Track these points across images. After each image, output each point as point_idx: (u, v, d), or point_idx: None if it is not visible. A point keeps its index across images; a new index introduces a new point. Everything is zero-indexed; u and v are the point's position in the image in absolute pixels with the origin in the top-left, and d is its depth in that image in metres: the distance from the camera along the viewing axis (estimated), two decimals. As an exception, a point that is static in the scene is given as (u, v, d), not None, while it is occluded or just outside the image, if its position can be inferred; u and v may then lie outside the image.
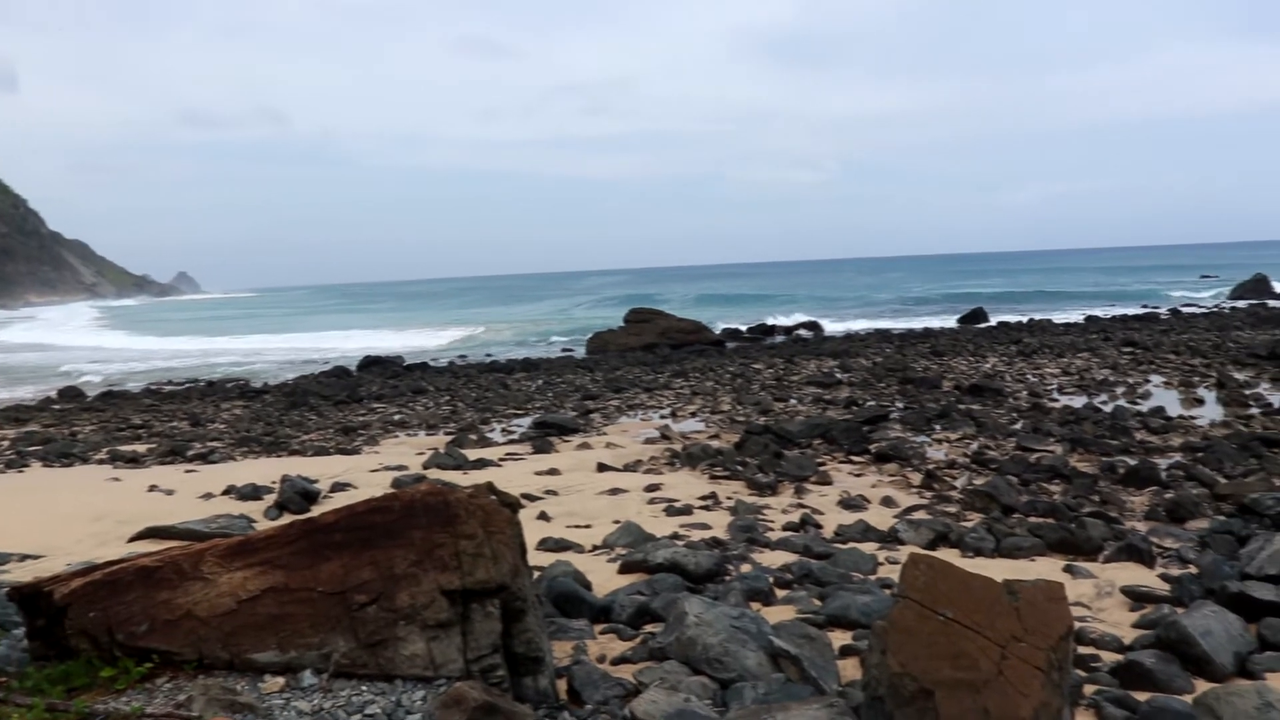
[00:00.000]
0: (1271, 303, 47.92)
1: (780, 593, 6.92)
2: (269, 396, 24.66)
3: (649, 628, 5.84)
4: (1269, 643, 5.86)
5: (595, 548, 8.40)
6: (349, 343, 46.57)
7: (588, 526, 9.36)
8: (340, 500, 10.40)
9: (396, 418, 19.74)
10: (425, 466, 12.93)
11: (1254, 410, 16.46)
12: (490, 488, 4.55)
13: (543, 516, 9.80)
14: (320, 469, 12.64)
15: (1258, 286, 58.77)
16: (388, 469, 12.79)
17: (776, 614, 6.17)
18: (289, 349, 44.73)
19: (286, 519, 8.76)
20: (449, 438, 16.37)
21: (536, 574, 6.33)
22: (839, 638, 5.74)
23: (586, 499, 10.75)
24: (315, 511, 7.95)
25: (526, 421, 18.05)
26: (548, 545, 8.37)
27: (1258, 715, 3.99)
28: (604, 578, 7.13)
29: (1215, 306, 46.64)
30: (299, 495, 10.36)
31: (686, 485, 11.57)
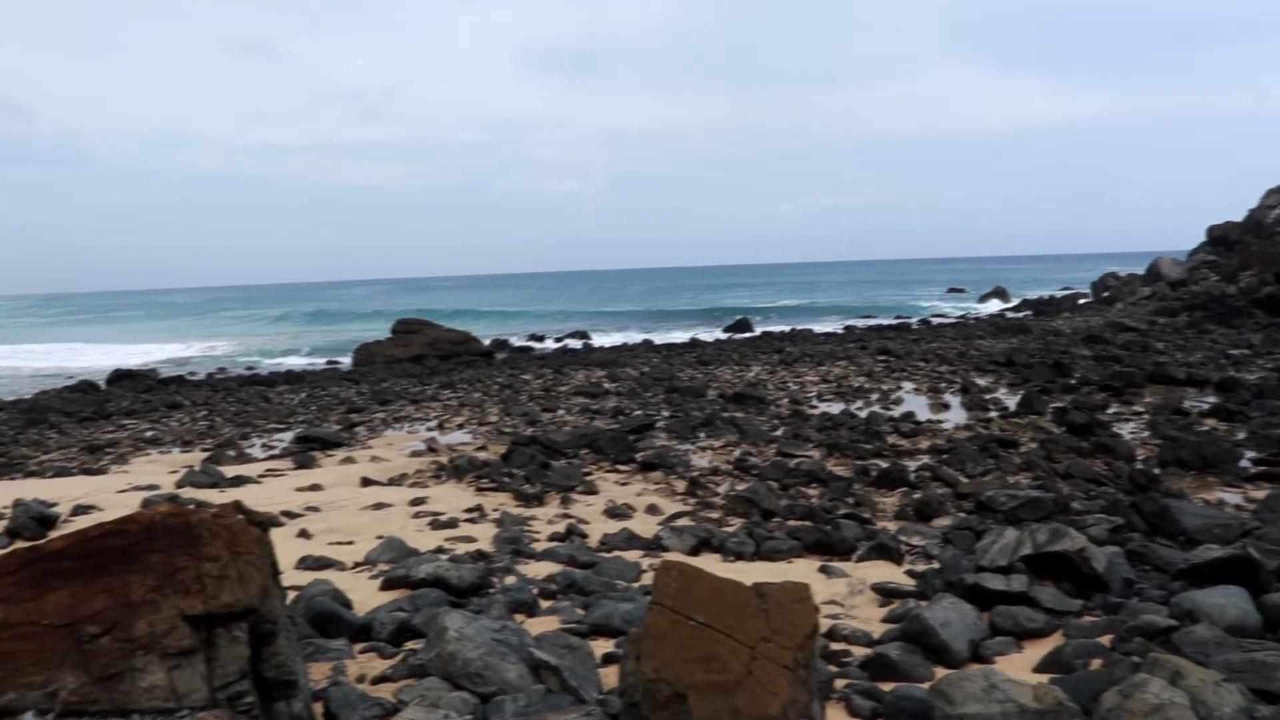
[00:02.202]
0: (1010, 313, 51.29)
1: (545, 603, 6.93)
2: (1, 414, 22.99)
3: (410, 644, 5.73)
4: (999, 628, 6.31)
5: (357, 565, 8.20)
6: (89, 357, 43.95)
7: (350, 543, 9.14)
8: (83, 524, 9.75)
9: (149, 434, 18.77)
10: (179, 485, 12.33)
11: (993, 414, 17.55)
12: (238, 506, 4.37)
13: (303, 534, 9.49)
14: (61, 491, 11.86)
15: (998, 297, 63.04)
16: (138, 489, 12.11)
17: (540, 625, 6.17)
18: (17, 365, 41.79)
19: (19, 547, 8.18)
20: (206, 454, 15.67)
21: (294, 594, 6.12)
22: (602, 646, 5.79)
23: (349, 515, 10.48)
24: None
25: (289, 436, 17.49)
26: (307, 564, 8.12)
27: (984, 696, 4.26)
28: (365, 595, 6.97)
29: (961, 317, 49.52)
30: (34, 520, 9.68)
31: (452, 498, 11.45)
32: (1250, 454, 13.50)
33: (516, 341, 42.51)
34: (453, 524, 10.00)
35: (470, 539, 9.28)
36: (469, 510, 10.66)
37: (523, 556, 8.55)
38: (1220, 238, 51.19)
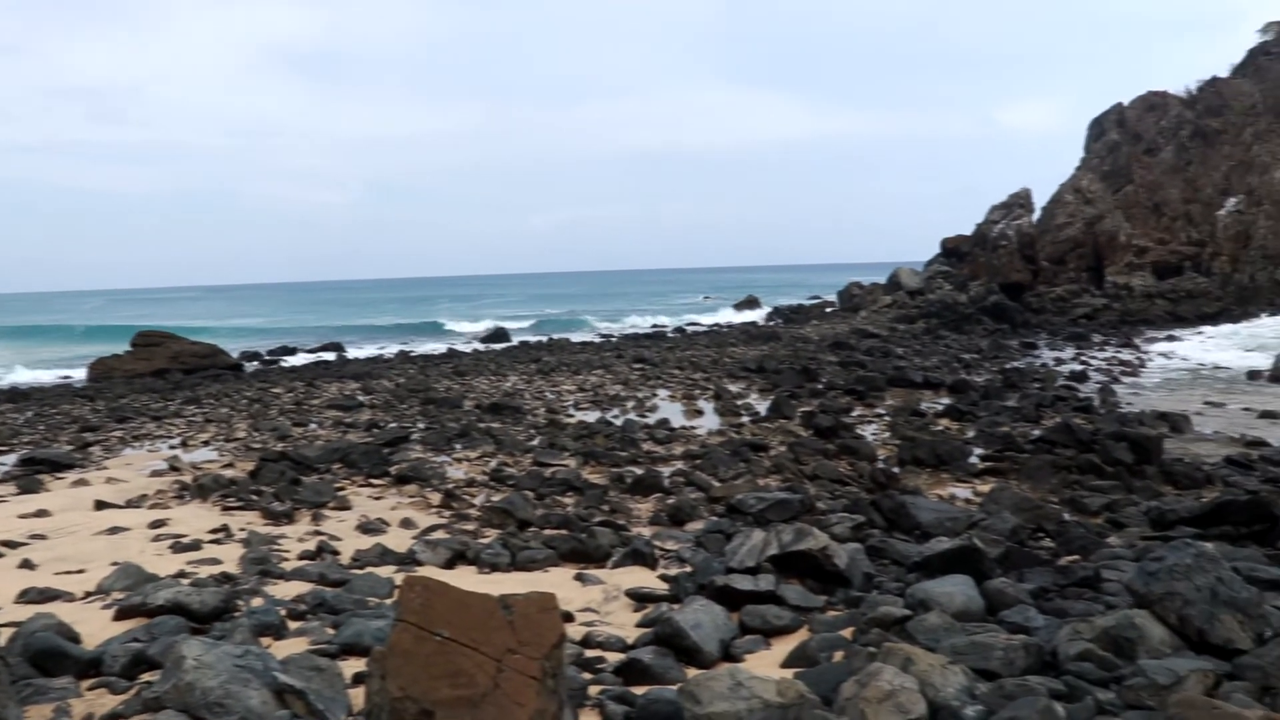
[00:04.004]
0: (762, 321, 53.18)
1: (293, 624, 6.70)
2: None
3: (146, 677, 5.43)
4: (749, 627, 6.52)
5: (88, 594, 7.70)
6: None
7: (81, 571, 8.57)
8: None
9: None
10: None
11: (744, 419, 18.16)
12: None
13: (26, 565, 8.83)
14: None
15: (750, 306, 65.31)
16: None
17: (288, 647, 5.97)
18: None
19: None
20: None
21: (12, 630, 5.70)
22: (353, 665, 5.65)
23: (81, 541, 9.84)
24: None
25: (12, 459, 16.27)
26: (30, 597, 7.56)
27: (730, 694, 4.40)
28: (97, 627, 6.55)
29: (714, 325, 50.94)
30: None
31: (196, 519, 10.92)
32: (978, 451, 14.47)
33: (267, 354, 41.03)
34: (196, 546, 9.54)
35: (215, 561, 8.87)
36: (214, 531, 10.19)
37: (271, 577, 8.24)
38: (953, 250, 54.80)
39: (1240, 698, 4.44)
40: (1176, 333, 38.43)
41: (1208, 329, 39.92)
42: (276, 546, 9.57)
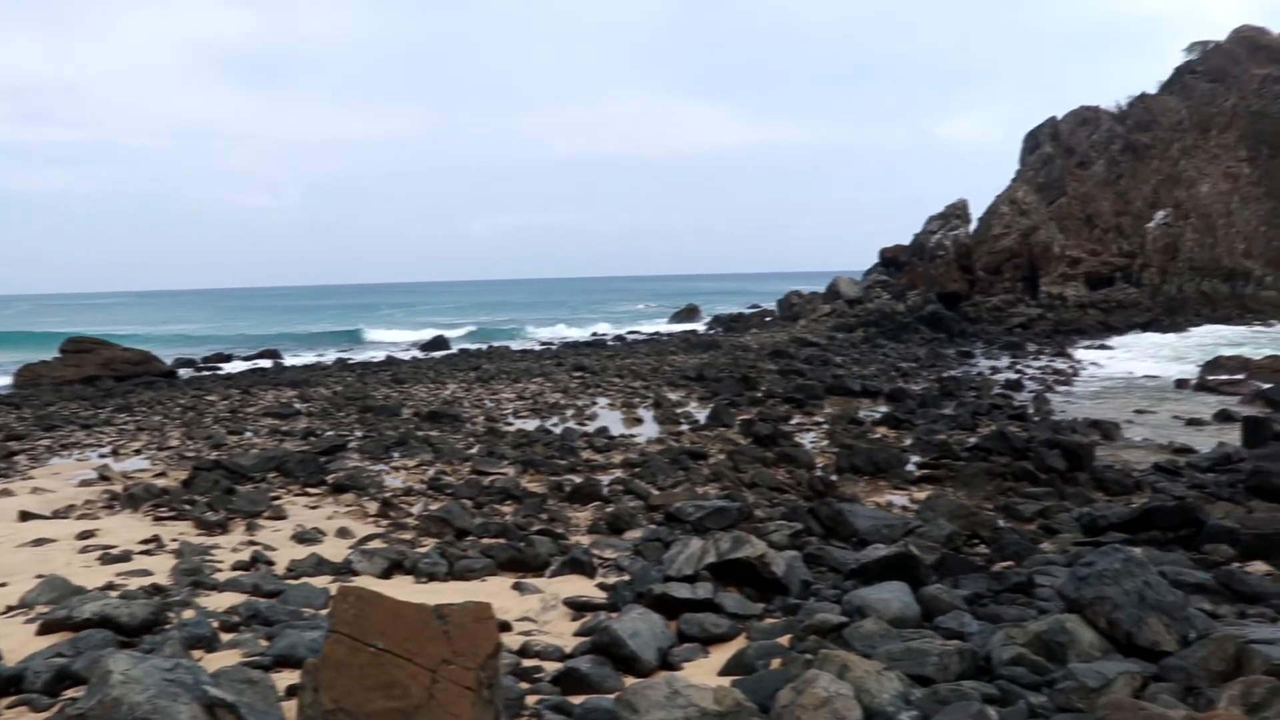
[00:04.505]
0: (702, 330, 53.34)
1: (226, 636, 6.59)
2: None
3: (70, 693, 5.31)
4: (687, 636, 6.53)
5: (10, 609, 7.49)
6: None
7: (3, 585, 8.35)
8: None
9: None
10: None
11: (684, 427, 18.19)
12: None
13: (-55, 579, 8.61)
14: None
15: (690, 314, 65.54)
16: None
17: (220, 660, 5.87)
18: None
19: None
20: None
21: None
22: (287, 678, 5.55)
23: (3, 553, 9.57)
24: None
25: (-69, 470, 15.86)
26: (-53, 613, 7.37)
27: (667, 703, 4.39)
28: (19, 642, 6.38)
29: (655, 334, 50.99)
30: None
31: (126, 529, 10.70)
32: (915, 458, 14.61)
33: (202, 361, 40.43)
34: (126, 557, 9.34)
35: (145, 572, 8.68)
36: (145, 541, 9.99)
37: (203, 588, 8.10)
38: (891, 259, 55.43)
39: (1166, 698, 4.53)
40: (1108, 342, 39.15)
41: (1138, 338, 40.73)
42: (210, 557, 9.41)
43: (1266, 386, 22.22)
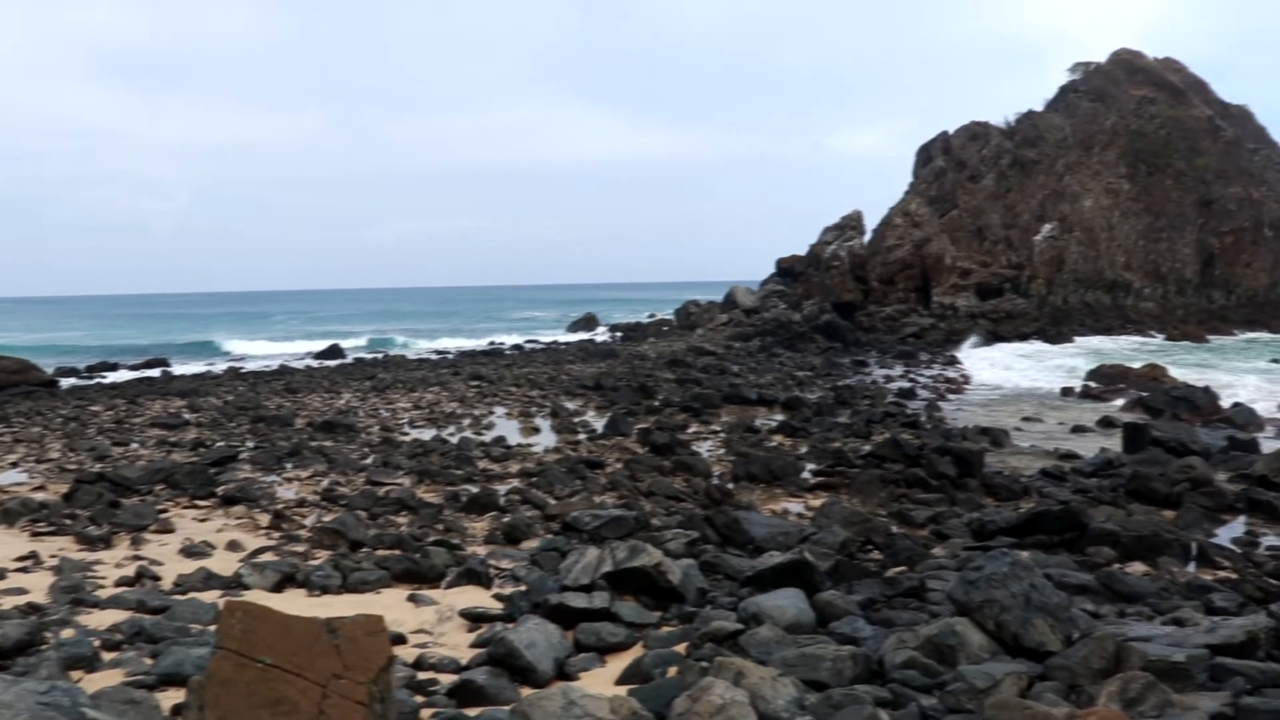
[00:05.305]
0: (599, 338, 53.36)
1: (108, 655, 6.38)
2: None
3: (-62, 717, 5.08)
4: (583, 645, 6.52)
5: (-126, 630, 7.18)
6: None
7: None
8: None
9: None
10: None
11: (581, 436, 18.15)
12: None
13: None
14: None
15: (587, 323, 65.52)
16: None
17: (101, 680, 5.68)
18: None
19: None
20: None
21: None
22: (173, 697, 5.40)
23: None
24: None
25: None
26: None
27: (563, 713, 4.36)
28: (-117, 665, 6.10)
29: (552, 343, 50.83)
30: None
31: (2, 546, 10.31)
32: (810, 466, 14.78)
33: (85, 370, 39.18)
34: (0, 575, 9.01)
35: (21, 590, 8.37)
36: (21, 559, 9.62)
37: (84, 605, 7.84)
38: (787, 269, 56.12)
39: (1050, 697, 4.66)
40: (997, 349, 40.10)
41: (1025, 347, 41.81)
42: (92, 573, 9.12)
43: (1145, 394, 22.98)
